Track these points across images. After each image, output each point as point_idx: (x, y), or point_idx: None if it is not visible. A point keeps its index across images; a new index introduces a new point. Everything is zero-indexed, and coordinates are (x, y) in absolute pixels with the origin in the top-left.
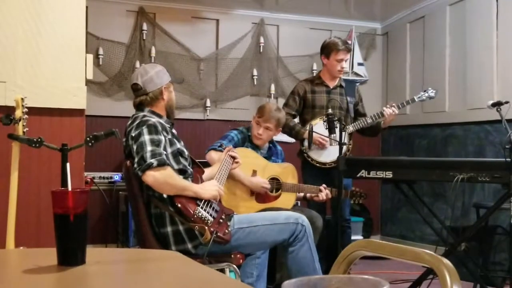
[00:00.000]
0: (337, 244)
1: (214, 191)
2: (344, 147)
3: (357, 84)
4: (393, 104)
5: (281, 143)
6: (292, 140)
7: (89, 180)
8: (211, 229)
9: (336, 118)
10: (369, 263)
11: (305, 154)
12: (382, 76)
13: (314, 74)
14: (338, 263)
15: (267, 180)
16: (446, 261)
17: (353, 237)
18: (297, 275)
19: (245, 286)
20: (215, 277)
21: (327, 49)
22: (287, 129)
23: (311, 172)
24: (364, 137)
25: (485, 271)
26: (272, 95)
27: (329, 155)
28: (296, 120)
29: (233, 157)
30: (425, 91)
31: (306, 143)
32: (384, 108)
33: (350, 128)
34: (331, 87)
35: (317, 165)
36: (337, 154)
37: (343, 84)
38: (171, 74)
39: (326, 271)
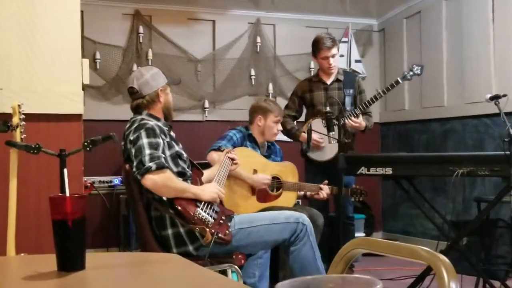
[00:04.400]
0: (339, 242)
1: (214, 193)
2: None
3: (358, 76)
4: (350, 117)
5: (282, 142)
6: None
7: (89, 184)
8: (212, 230)
9: (334, 116)
10: (371, 260)
11: (306, 155)
12: (379, 72)
13: (312, 72)
14: (336, 263)
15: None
16: (442, 257)
17: (356, 234)
18: (300, 275)
19: (246, 287)
20: (216, 279)
21: (313, 49)
22: (284, 132)
23: (313, 170)
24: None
25: (487, 265)
26: (270, 94)
27: (328, 153)
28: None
29: (232, 159)
30: (410, 69)
31: (304, 145)
32: (347, 123)
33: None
34: (328, 83)
35: (318, 163)
36: (335, 152)
37: (341, 77)
38: (168, 76)
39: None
